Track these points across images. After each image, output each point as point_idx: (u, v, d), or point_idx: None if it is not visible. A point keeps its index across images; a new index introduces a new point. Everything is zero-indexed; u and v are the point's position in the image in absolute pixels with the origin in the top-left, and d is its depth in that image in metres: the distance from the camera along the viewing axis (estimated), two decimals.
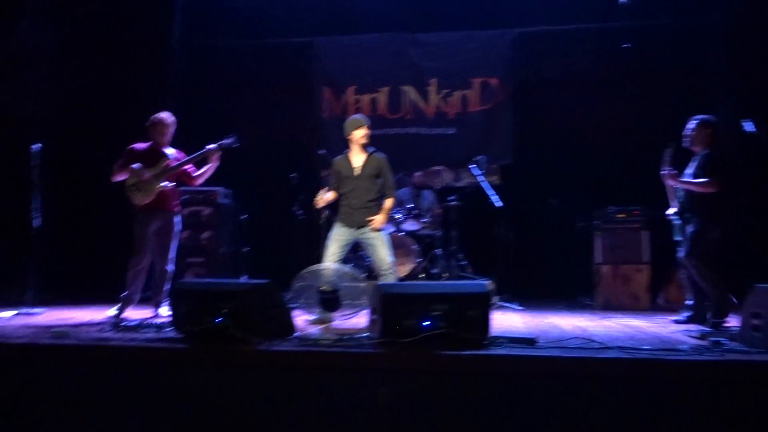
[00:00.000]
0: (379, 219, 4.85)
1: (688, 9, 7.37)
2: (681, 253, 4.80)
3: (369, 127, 5.00)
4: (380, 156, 5.03)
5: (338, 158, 5.10)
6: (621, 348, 3.19)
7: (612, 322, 4.88)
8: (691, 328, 4.24)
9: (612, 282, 6.35)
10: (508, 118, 7.89)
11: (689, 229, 4.68)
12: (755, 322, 3.28)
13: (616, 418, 2.89)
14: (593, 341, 3.42)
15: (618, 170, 7.30)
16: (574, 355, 3.04)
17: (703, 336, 3.64)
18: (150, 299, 5.42)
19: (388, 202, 4.98)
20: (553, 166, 7.56)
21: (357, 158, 4.99)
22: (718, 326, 4.17)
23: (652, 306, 6.21)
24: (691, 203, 4.72)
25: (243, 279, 6.83)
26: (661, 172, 4.85)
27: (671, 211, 4.94)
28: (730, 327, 4.02)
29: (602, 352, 3.13)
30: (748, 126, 4.61)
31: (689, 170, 4.81)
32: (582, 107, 7.74)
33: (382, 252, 4.83)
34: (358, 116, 5.13)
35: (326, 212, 5.02)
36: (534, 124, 7.83)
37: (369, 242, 4.90)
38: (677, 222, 4.91)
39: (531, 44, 7.83)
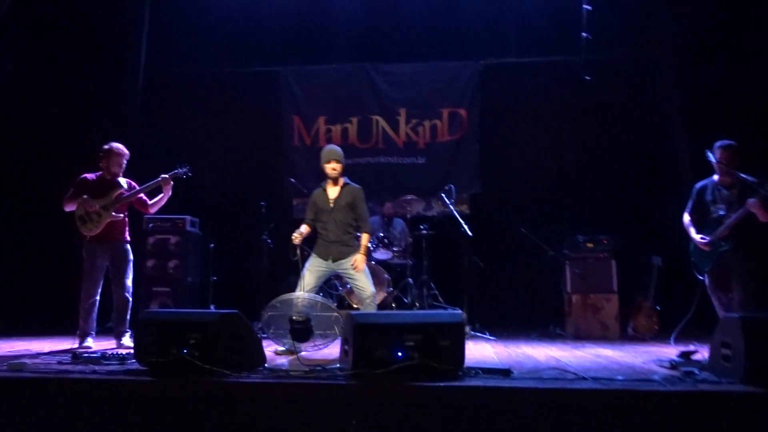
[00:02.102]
0: (359, 260, 4.82)
1: (643, 43, 7.67)
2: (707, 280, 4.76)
3: (338, 161, 4.95)
4: (355, 187, 5.03)
5: (316, 191, 5.10)
6: (595, 379, 3.17)
7: (584, 352, 4.88)
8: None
9: (582, 311, 6.38)
10: (475, 148, 7.98)
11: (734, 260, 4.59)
12: (725, 351, 3.29)
13: None
14: (568, 372, 3.40)
15: (585, 198, 7.42)
16: (550, 386, 3.01)
17: (674, 366, 3.64)
18: (112, 330, 5.26)
19: (365, 238, 4.97)
20: (522, 194, 7.66)
21: (332, 190, 5.00)
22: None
23: (622, 335, 6.25)
24: (736, 233, 4.58)
25: (210, 309, 6.69)
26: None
27: (698, 237, 4.76)
28: (699, 358, 4.03)
29: (577, 383, 3.10)
30: (711, 157, 4.70)
31: (721, 206, 4.70)
32: (548, 137, 7.88)
33: (362, 281, 4.81)
34: (329, 148, 5.07)
35: (299, 250, 4.96)
36: (501, 153, 7.95)
37: (347, 273, 4.87)
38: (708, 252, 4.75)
39: (495, 75, 8.02)
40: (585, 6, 7.02)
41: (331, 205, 4.92)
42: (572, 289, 6.48)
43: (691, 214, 4.93)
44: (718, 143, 4.76)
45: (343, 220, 4.90)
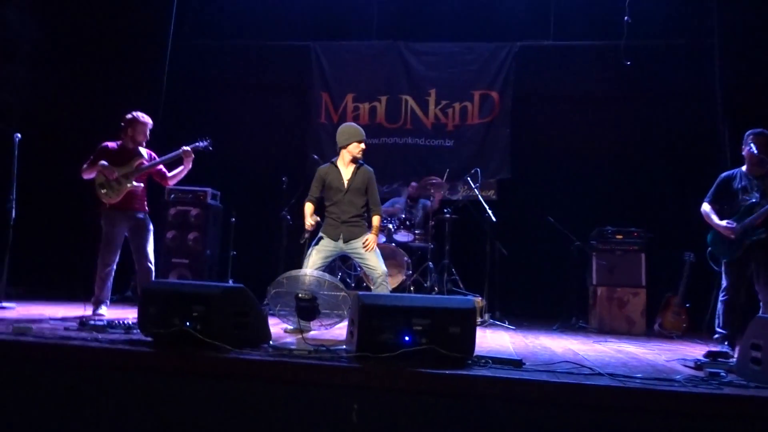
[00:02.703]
0: (371, 239, 4.69)
1: (686, 30, 7.29)
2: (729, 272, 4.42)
3: (366, 142, 4.85)
4: (369, 170, 4.87)
5: (325, 166, 4.91)
6: (612, 375, 2.99)
7: (605, 347, 4.69)
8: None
9: (607, 305, 6.17)
10: (506, 132, 7.74)
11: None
12: (755, 354, 3.08)
13: None
14: (584, 366, 3.23)
15: (616, 189, 7.19)
16: (562, 380, 2.84)
17: (699, 366, 3.44)
18: (132, 298, 5.26)
19: (377, 220, 4.85)
20: (551, 182, 7.43)
21: (347, 170, 4.82)
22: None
23: (648, 332, 6.02)
24: None
25: (229, 283, 6.66)
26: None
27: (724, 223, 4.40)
28: (728, 359, 3.82)
29: (592, 378, 2.93)
30: (753, 148, 4.42)
31: (754, 194, 4.37)
32: (582, 124, 7.63)
33: (373, 260, 4.66)
34: (356, 127, 4.89)
35: (307, 234, 4.92)
36: (533, 139, 7.72)
37: (357, 253, 4.73)
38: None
39: (531, 58, 7.73)
40: None
41: (346, 185, 4.77)
42: (598, 281, 6.27)
43: (712, 204, 4.57)
44: (750, 132, 4.49)
45: (355, 202, 4.77)
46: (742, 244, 4.32)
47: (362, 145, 4.79)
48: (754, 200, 4.35)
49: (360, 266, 5.09)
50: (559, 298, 6.71)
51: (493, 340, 4.78)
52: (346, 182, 4.76)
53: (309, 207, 4.85)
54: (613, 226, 6.34)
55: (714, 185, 4.65)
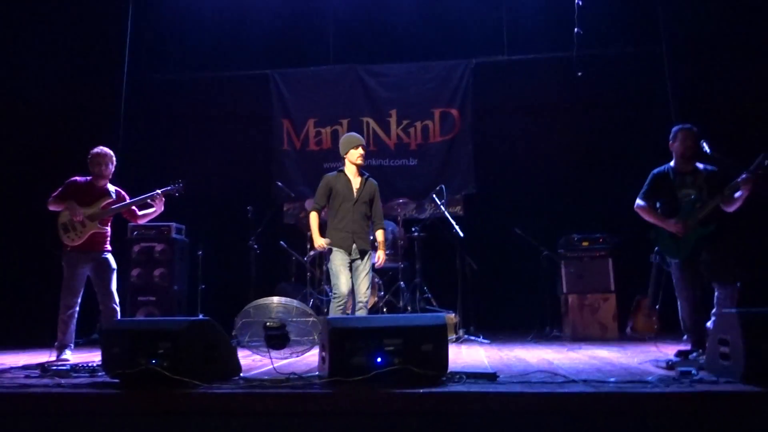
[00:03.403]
0: (383, 257, 4.79)
1: (635, 38, 7.50)
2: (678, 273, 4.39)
3: (364, 147, 4.83)
4: (375, 183, 4.89)
5: (333, 175, 4.84)
6: (586, 381, 3.00)
7: (579, 354, 4.70)
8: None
9: (579, 312, 6.21)
10: (468, 147, 7.82)
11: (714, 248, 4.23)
12: (723, 349, 3.11)
13: None
14: (557, 374, 3.22)
15: (580, 197, 7.28)
16: (537, 390, 2.84)
17: (671, 366, 3.47)
18: (100, 341, 5.09)
19: (381, 234, 4.87)
20: (516, 194, 7.50)
21: (356, 180, 4.79)
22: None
23: (621, 336, 6.07)
24: (717, 215, 4.25)
25: (199, 317, 6.54)
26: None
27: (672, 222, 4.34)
28: (699, 357, 3.85)
29: (566, 386, 2.92)
30: (705, 147, 4.49)
31: (690, 190, 4.36)
32: (541, 135, 7.77)
33: (365, 283, 4.66)
34: (354, 135, 4.92)
35: (313, 252, 4.92)
36: (495, 153, 7.81)
37: (357, 270, 4.70)
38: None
39: (488, 74, 7.85)
40: (577, 1, 6.87)
41: (355, 195, 4.72)
42: (568, 289, 6.32)
43: (647, 200, 4.54)
44: (679, 127, 4.53)
45: (363, 213, 4.75)
46: (690, 242, 4.27)
47: (360, 150, 4.74)
48: (693, 197, 4.33)
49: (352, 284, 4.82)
50: (532, 309, 6.73)
51: (468, 355, 4.77)
52: (355, 191, 4.71)
53: (315, 218, 4.78)
54: (579, 233, 6.41)
55: (647, 182, 4.60)
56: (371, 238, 4.95)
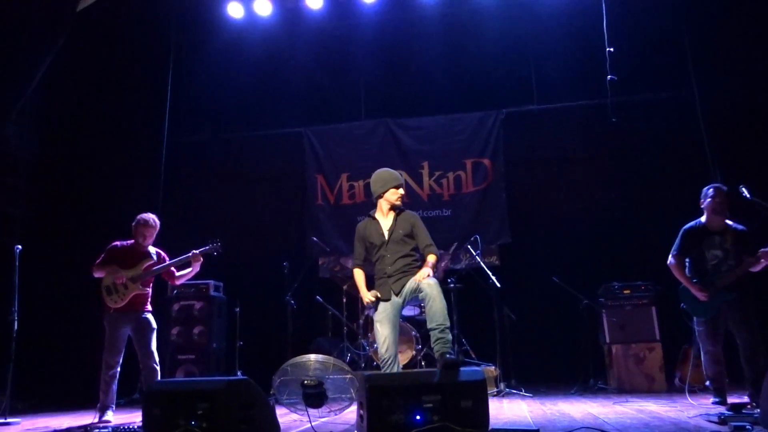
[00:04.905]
0: (423, 273, 4.07)
1: (666, 84, 7.47)
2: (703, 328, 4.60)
3: (404, 187, 4.43)
4: (412, 214, 4.42)
5: (363, 221, 4.47)
6: None
7: (626, 407, 4.54)
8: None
9: (624, 362, 6.02)
10: (502, 197, 7.79)
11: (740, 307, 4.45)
12: None
13: None
14: (604, 431, 3.11)
15: (618, 244, 7.14)
16: None
17: (723, 421, 3.32)
18: (141, 402, 5.12)
19: (431, 259, 4.22)
20: (552, 243, 7.39)
21: (385, 221, 4.36)
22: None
23: (669, 387, 5.85)
24: (742, 280, 4.48)
25: (238, 375, 6.54)
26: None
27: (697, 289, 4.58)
28: (753, 411, 3.69)
29: None
30: (744, 192, 4.45)
31: (716, 252, 4.58)
32: (575, 183, 7.72)
33: (437, 304, 3.94)
34: (391, 172, 4.45)
35: (368, 312, 4.62)
36: (529, 201, 7.77)
37: (422, 296, 4.04)
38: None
39: (519, 123, 7.88)
40: (608, 48, 6.91)
41: (387, 236, 4.29)
42: (612, 339, 6.15)
43: (679, 257, 4.75)
44: (709, 187, 4.68)
45: (400, 252, 4.24)
46: (714, 305, 4.52)
47: (401, 191, 4.34)
48: (716, 261, 4.56)
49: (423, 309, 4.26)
50: (574, 360, 6.54)
51: (510, 410, 4.64)
52: (386, 232, 4.30)
53: (359, 274, 4.39)
54: (619, 281, 6.28)
55: (678, 239, 4.80)
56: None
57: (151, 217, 5.21)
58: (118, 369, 5.02)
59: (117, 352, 4.99)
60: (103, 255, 5.12)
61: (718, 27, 6.97)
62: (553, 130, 7.81)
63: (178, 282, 5.38)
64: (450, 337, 3.95)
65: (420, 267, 4.23)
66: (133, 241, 5.17)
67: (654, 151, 7.46)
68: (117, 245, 5.18)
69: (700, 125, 7.00)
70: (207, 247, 5.22)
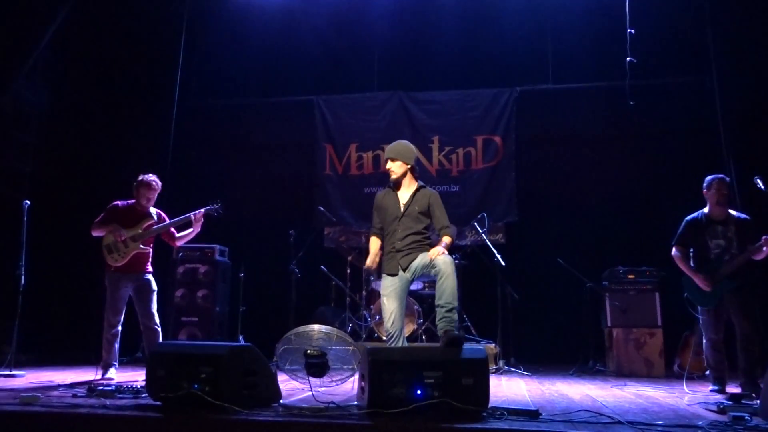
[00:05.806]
0: (436, 251, 4.02)
1: (685, 67, 7.37)
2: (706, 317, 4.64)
3: (393, 158, 4.30)
4: (431, 192, 4.37)
5: (381, 193, 4.42)
6: (632, 423, 2.90)
7: (624, 391, 4.57)
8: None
9: (624, 346, 6.04)
10: (511, 175, 7.75)
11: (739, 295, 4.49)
12: None
13: None
14: (602, 414, 3.13)
15: (626, 228, 7.12)
16: (581, 431, 2.76)
17: (722, 410, 3.34)
18: (142, 360, 5.20)
19: (446, 239, 4.18)
20: (559, 224, 7.38)
21: (402, 194, 4.30)
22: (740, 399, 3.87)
23: (668, 373, 5.88)
24: (744, 269, 4.51)
25: (240, 340, 6.61)
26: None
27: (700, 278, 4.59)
28: (752, 401, 3.70)
29: (611, 427, 2.84)
30: (759, 183, 4.42)
31: (719, 241, 4.60)
32: (586, 164, 7.66)
33: (449, 282, 3.91)
34: (390, 145, 4.41)
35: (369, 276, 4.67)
36: (539, 181, 7.72)
37: (425, 269, 4.07)
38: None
39: (532, 102, 7.78)
40: (629, 30, 6.78)
41: (402, 210, 4.23)
42: (613, 322, 6.16)
43: (681, 247, 4.77)
44: (712, 177, 4.68)
45: (412, 228, 4.18)
46: (717, 294, 4.54)
47: (388, 163, 4.31)
48: (719, 250, 4.59)
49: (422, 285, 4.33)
50: (574, 341, 6.58)
51: (509, 388, 4.68)
52: (402, 206, 4.24)
53: (375, 242, 4.38)
54: (624, 265, 6.27)
55: (681, 228, 4.84)
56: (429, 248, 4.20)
57: (153, 178, 5.20)
58: (120, 328, 5.08)
59: (118, 312, 5.04)
60: (103, 214, 5.14)
61: (741, 13, 6.82)
62: (567, 110, 7.71)
63: (178, 243, 5.40)
64: (456, 317, 3.93)
65: (430, 246, 4.19)
66: (134, 201, 5.18)
67: (668, 136, 7.40)
68: (118, 204, 5.19)
69: (717, 113, 6.90)
70: (208, 208, 5.23)
